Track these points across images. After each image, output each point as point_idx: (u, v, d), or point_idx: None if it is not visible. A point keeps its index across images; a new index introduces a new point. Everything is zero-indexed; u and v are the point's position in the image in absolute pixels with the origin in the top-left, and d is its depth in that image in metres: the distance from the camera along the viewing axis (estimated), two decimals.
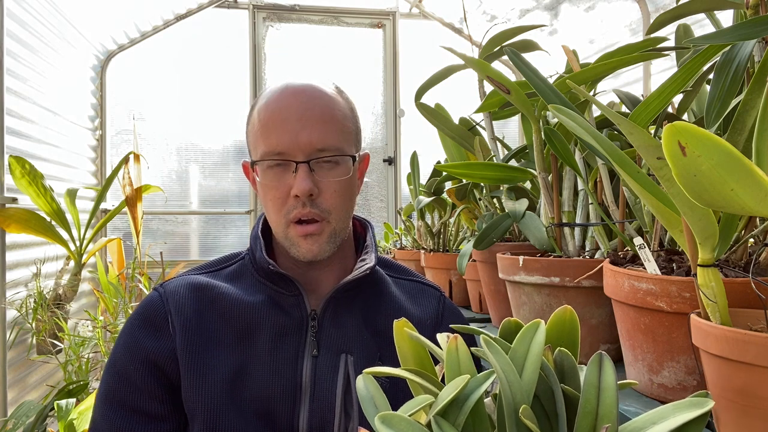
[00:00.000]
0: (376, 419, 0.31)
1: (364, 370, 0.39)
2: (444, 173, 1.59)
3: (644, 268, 0.72)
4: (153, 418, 0.76)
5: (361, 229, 0.93)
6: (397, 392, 0.48)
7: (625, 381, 0.39)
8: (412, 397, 0.36)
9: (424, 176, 1.95)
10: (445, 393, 0.33)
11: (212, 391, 0.74)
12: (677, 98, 0.96)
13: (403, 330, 0.41)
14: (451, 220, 1.75)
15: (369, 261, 0.84)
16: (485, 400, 0.36)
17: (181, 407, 0.77)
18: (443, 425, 0.32)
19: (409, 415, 0.33)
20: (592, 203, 0.97)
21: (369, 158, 0.89)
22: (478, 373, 0.36)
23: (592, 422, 0.32)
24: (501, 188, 1.30)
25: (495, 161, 1.31)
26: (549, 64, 1.37)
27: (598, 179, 0.97)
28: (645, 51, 0.92)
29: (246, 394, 0.76)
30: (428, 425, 0.32)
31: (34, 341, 2.36)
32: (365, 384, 0.39)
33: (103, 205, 3.10)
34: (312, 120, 0.76)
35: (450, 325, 0.46)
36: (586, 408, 0.33)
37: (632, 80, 2.76)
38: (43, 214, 2.37)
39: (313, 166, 0.77)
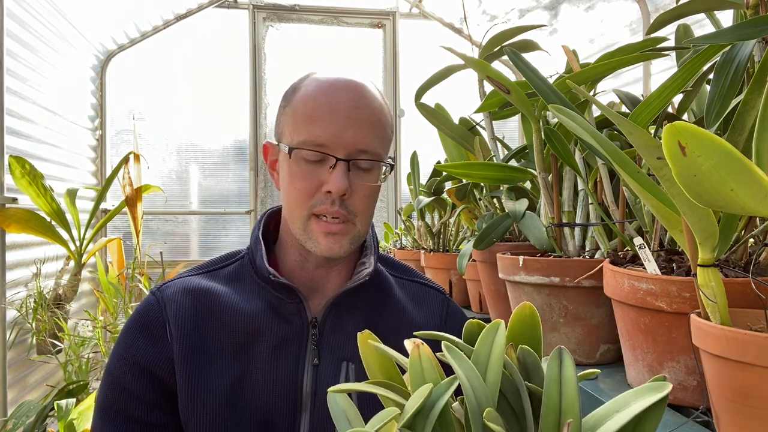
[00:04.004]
0: None
1: (328, 389, 0.39)
2: (444, 173, 1.59)
3: (644, 268, 0.72)
4: (151, 426, 0.74)
5: None
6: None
7: (586, 371, 0.39)
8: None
9: (424, 176, 1.95)
10: (410, 404, 0.32)
11: (211, 401, 0.73)
12: (677, 98, 0.96)
13: (367, 342, 0.40)
14: (451, 220, 1.75)
15: (368, 265, 0.82)
16: (453, 405, 0.36)
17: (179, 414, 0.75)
18: None
19: (377, 430, 0.32)
20: (592, 203, 0.97)
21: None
22: (447, 376, 0.35)
23: (557, 418, 0.32)
24: (501, 188, 1.30)
25: (495, 161, 1.31)
26: (549, 64, 1.37)
27: (598, 179, 0.97)
28: (645, 51, 0.92)
29: (246, 404, 0.74)
30: None
31: (34, 341, 2.36)
32: (335, 399, 0.39)
33: (103, 205, 3.10)
34: (360, 119, 0.74)
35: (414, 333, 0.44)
36: (549, 405, 0.33)
37: (632, 80, 2.76)
38: (43, 214, 2.37)
39: (351, 166, 0.75)
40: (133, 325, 0.78)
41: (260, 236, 0.83)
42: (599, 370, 0.40)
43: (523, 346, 0.37)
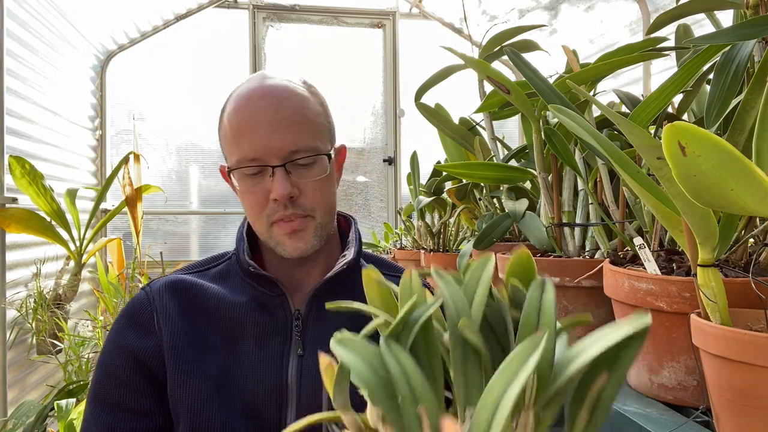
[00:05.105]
0: (332, 342, 0.32)
1: (327, 304, 0.40)
2: (444, 173, 1.59)
3: (644, 268, 0.72)
4: (140, 414, 0.76)
5: (345, 225, 0.93)
6: None
7: (580, 316, 0.39)
8: None
9: (424, 176, 1.95)
10: (397, 317, 0.34)
11: (198, 390, 0.74)
12: (677, 98, 0.96)
13: (371, 279, 0.41)
14: (451, 220, 1.75)
15: (348, 255, 0.83)
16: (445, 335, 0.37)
17: (168, 404, 0.77)
18: (392, 345, 0.33)
19: (364, 335, 0.34)
20: (592, 203, 0.97)
21: (345, 151, 0.88)
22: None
23: (533, 332, 0.34)
24: (501, 188, 1.29)
25: (495, 161, 1.31)
26: (549, 64, 1.37)
27: (598, 179, 0.97)
28: (645, 51, 0.92)
29: (232, 394, 0.76)
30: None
31: (34, 341, 2.36)
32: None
33: (103, 205, 3.10)
34: (283, 123, 0.75)
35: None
36: (527, 321, 0.35)
37: (632, 80, 2.76)
38: (43, 214, 2.36)
39: (290, 168, 0.76)
40: (123, 318, 0.80)
41: (244, 234, 0.85)
42: (589, 317, 0.40)
43: (512, 279, 0.38)
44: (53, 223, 2.41)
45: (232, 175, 0.78)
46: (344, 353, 0.32)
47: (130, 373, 0.76)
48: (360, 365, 0.31)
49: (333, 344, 0.32)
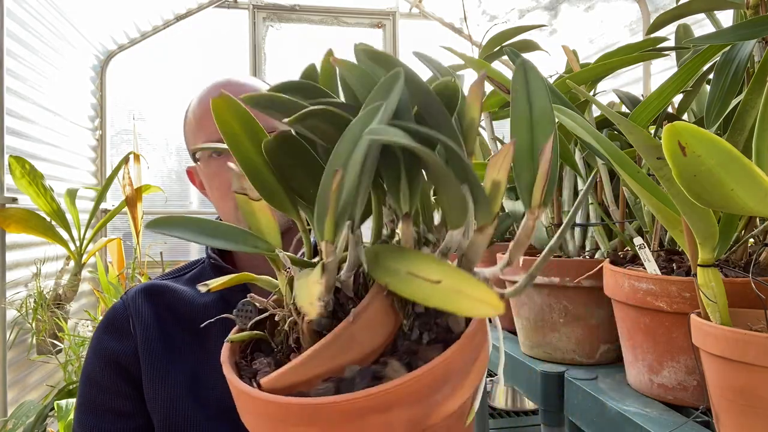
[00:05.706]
0: (366, 134, 0.31)
1: None
2: None
3: (644, 268, 0.72)
4: (123, 415, 0.79)
5: None
6: None
7: None
8: None
9: None
10: (392, 99, 0.33)
11: (171, 391, 0.77)
12: (677, 98, 0.96)
13: (221, 101, 0.38)
14: None
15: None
16: None
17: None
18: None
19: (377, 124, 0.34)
20: (592, 203, 0.97)
21: None
22: None
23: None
24: None
25: None
26: (549, 64, 1.37)
27: (598, 179, 0.97)
28: (645, 51, 0.92)
29: (204, 393, 0.77)
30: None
31: (34, 341, 2.36)
32: None
33: (103, 205, 3.10)
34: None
35: None
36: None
37: (632, 80, 2.76)
38: (43, 214, 2.36)
39: None
40: (101, 326, 0.84)
41: None
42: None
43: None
44: (53, 223, 2.41)
45: (198, 162, 0.81)
46: (380, 137, 0.31)
47: (111, 377, 0.79)
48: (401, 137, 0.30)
49: (368, 136, 0.31)
